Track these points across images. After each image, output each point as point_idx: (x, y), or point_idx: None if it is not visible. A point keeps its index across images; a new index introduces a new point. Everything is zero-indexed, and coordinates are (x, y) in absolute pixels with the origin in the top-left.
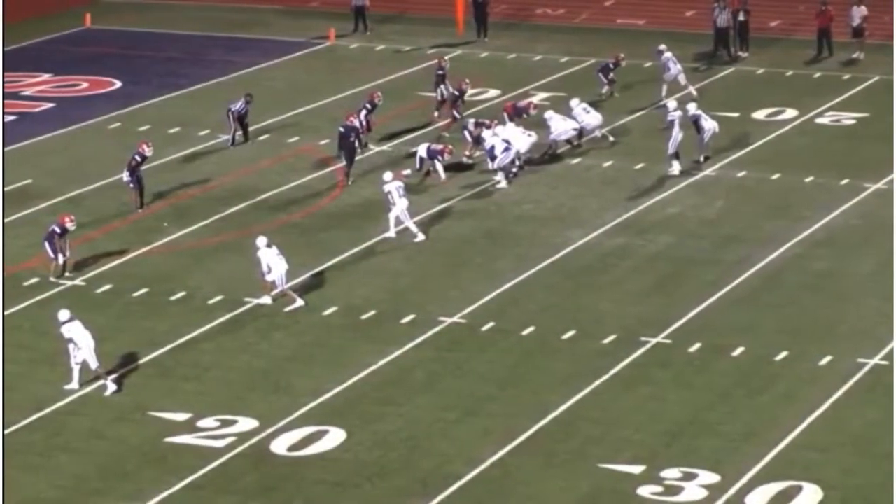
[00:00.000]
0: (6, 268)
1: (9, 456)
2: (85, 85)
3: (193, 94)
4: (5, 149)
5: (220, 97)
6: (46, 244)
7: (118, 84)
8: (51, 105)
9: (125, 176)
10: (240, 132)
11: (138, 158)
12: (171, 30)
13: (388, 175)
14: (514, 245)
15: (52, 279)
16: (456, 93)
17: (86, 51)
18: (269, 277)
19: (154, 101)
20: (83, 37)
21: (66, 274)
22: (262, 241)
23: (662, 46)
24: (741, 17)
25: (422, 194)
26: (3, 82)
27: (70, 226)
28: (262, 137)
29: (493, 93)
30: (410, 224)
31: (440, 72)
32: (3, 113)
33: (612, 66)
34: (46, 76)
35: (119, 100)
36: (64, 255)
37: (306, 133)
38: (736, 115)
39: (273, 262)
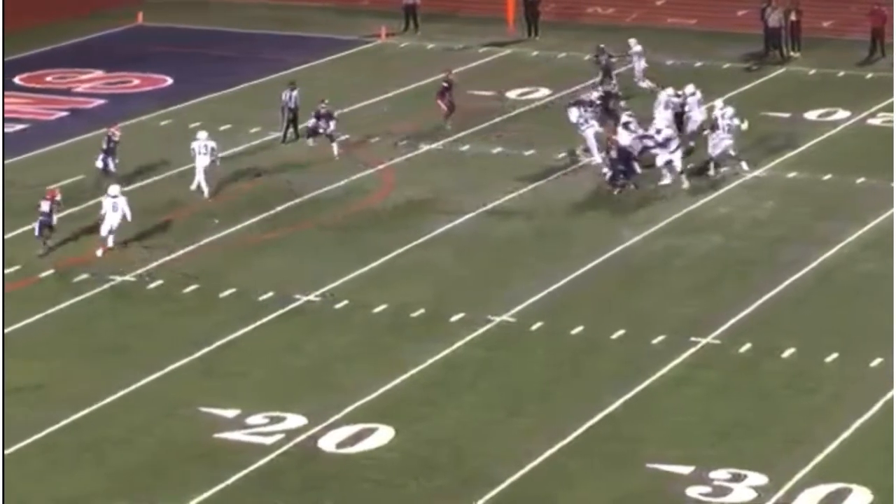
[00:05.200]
0: (58, 264)
1: (59, 450)
2: (136, 82)
3: (244, 91)
4: (57, 145)
5: (271, 95)
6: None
7: (169, 81)
8: (102, 101)
9: (99, 161)
10: (291, 129)
11: (108, 144)
12: (223, 27)
13: (201, 134)
14: (564, 244)
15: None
16: (445, 84)
17: (138, 48)
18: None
19: (205, 99)
20: (135, 34)
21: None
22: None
23: (632, 40)
24: (793, 18)
25: (470, 193)
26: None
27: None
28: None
29: (543, 91)
30: (202, 182)
31: (445, 84)
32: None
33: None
34: (98, 73)
35: (170, 97)
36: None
37: (356, 131)
38: (787, 115)
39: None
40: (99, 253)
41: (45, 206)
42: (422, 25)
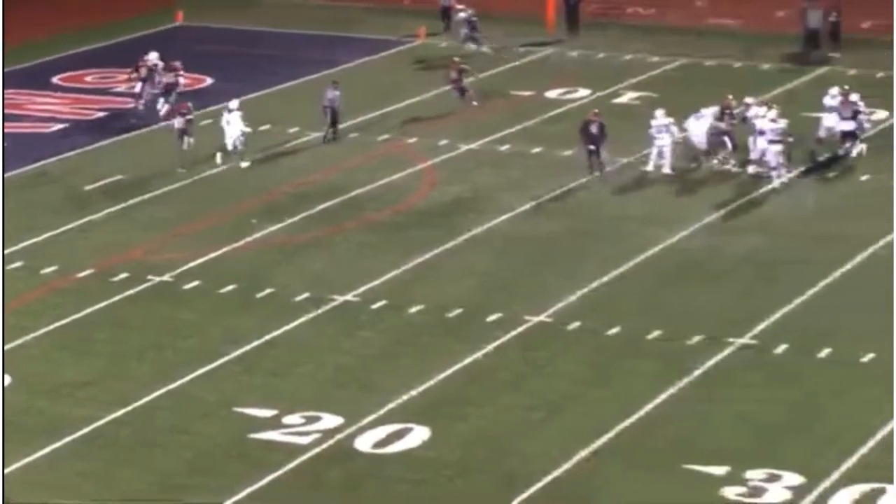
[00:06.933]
0: (98, 263)
1: (97, 450)
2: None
3: (284, 91)
4: (97, 144)
5: (310, 95)
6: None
7: (209, 81)
8: (143, 101)
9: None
10: (332, 129)
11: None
12: (263, 27)
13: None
14: (602, 244)
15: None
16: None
17: (178, 48)
18: None
19: (245, 99)
20: (175, 34)
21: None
22: None
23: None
24: (833, 18)
25: (509, 192)
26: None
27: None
28: (352, 135)
29: (583, 92)
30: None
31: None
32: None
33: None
34: None
35: (210, 96)
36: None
37: (396, 131)
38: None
39: None
40: (218, 158)
41: (179, 121)
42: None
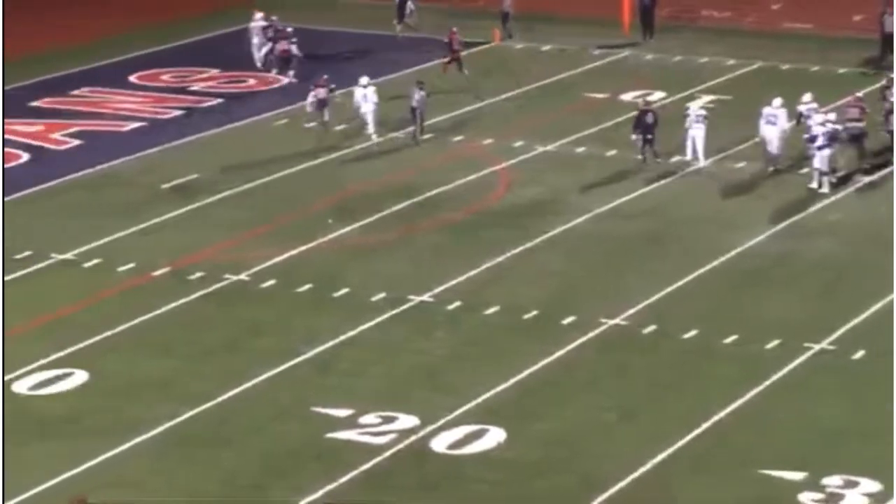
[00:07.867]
0: (173, 262)
1: (170, 448)
2: (252, 81)
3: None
4: (172, 143)
5: (388, 95)
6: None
7: (285, 80)
8: (218, 100)
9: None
10: (411, 128)
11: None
12: (343, 27)
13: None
14: (678, 247)
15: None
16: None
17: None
18: None
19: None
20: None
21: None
22: None
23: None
24: None
25: (585, 194)
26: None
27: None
28: (427, 136)
29: (658, 94)
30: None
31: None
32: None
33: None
34: (214, 71)
35: (286, 96)
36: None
37: (471, 132)
38: None
39: None
40: (374, 137)
41: (321, 92)
42: (539, 26)
